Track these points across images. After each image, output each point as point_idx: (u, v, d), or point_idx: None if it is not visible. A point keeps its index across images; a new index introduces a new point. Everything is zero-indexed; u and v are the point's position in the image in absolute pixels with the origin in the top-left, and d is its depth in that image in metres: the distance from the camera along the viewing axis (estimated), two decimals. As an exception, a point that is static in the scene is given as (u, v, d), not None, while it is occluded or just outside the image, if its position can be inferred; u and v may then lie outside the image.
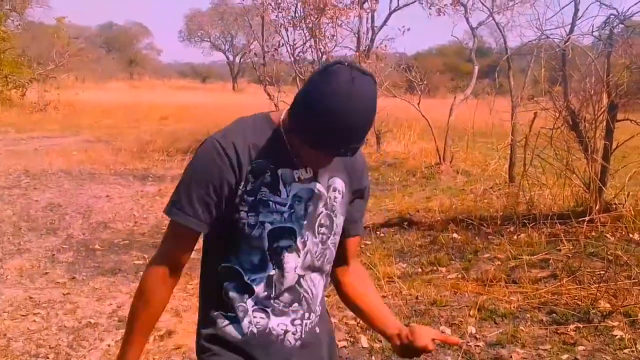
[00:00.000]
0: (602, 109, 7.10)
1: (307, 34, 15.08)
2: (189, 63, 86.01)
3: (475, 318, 4.83)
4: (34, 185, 10.50)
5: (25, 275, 6.06)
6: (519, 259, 5.96)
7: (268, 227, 1.84)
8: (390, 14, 16.16)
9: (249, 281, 1.88)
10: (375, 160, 13.40)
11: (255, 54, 16.61)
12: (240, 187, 1.82)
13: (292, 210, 1.86)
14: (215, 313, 1.93)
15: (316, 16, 14.59)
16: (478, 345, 4.43)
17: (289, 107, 1.81)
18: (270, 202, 1.84)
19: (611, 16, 7.70)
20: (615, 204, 6.91)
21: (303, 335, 1.95)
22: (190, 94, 41.90)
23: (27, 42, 31.70)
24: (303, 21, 14.96)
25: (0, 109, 23.35)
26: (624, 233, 6.39)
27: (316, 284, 1.96)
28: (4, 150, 14.59)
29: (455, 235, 7.01)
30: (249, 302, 1.89)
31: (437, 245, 6.79)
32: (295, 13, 15.14)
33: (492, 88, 14.81)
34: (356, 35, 15.78)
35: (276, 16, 15.20)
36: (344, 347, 4.49)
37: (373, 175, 11.72)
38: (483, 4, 13.71)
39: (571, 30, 8.33)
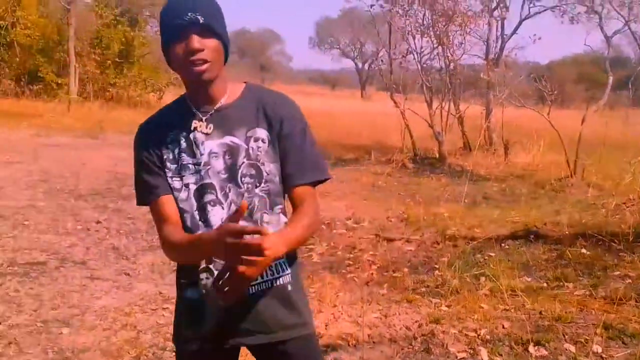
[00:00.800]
0: None
1: (434, 41, 15.01)
2: (318, 70, 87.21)
3: (602, 337, 4.65)
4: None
5: (157, 271, 6.32)
6: (652, 278, 5.71)
7: (192, 187, 2.04)
8: (521, 22, 15.90)
9: None
10: (503, 171, 13.12)
11: (382, 61, 16.67)
12: (165, 158, 2.05)
13: (209, 167, 2.03)
14: (181, 281, 2.13)
15: (444, 24, 14.51)
16: (604, 366, 4.27)
17: None
18: (190, 165, 2.04)
19: None
20: None
21: (251, 284, 1.98)
22: (318, 101, 42.32)
23: (165, 47, 33.02)
24: (431, 28, 14.91)
25: (139, 111, 24.38)
26: None
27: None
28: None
29: (583, 250, 6.77)
30: (201, 264, 2.02)
31: (564, 260, 6.58)
32: (423, 20, 15.10)
33: (628, 99, 14.25)
34: (485, 43, 15.59)
35: (404, 23, 15.20)
36: (463, 358, 4.43)
37: (500, 186, 11.50)
38: (618, 12, 13.24)
39: None
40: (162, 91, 28.96)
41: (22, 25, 25.73)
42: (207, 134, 2.04)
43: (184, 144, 2.05)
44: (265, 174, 2.06)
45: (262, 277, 2.04)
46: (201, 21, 1.93)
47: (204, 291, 2.03)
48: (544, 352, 4.47)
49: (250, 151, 2.05)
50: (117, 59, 27.61)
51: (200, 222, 2.03)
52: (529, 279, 6.08)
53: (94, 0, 28.88)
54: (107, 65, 26.98)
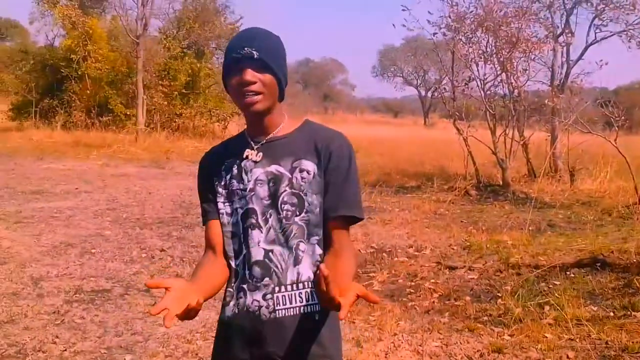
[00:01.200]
0: None
1: (498, 68, 14.89)
2: (381, 98, 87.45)
3: (672, 368, 4.52)
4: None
5: (218, 298, 6.35)
6: None
7: (240, 212, 2.16)
8: (586, 47, 15.64)
9: (235, 267, 2.17)
10: (568, 198, 12.85)
11: (444, 88, 16.61)
12: (218, 185, 2.21)
13: (253, 193, 2.14)
14: (223, 302, 2.23)
15: (508, 50, 14.39)
16: (673, 398, 4.14)
17: None
18: (238, 190, 2.17)
19: None
20: None
21: (276, 308, 2.09)
22: (381, 129, 42.42)
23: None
24: (494, 55, 14.80)
25: (205, 140, 24.77)
26: None
27: (285, 258, 2.11)
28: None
29: (652, 279, 6.59)
30: (234, 285, 2.17)
31: (632, 288, 6.38)
32: (486, 47, 15.01)
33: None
34: (550, 69, 15.39)
35: (467, 51, 15.12)
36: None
37: (565, 213, 11.28)
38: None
39: None
40: (227, 121, 29.40)
41: (93, 58, 26.52)
42: (255, 162, 2.16)
43: (235, 171, 2.18)
44: (306, 204, 2.12)
45: (292, 303, 2.11)
46: (255, 56, 2.06)
47: (236, 310, 2.16)
48: (609, 383, 4.36)
49: (294, 180, 2.13)
50: (183, 90, 28.17)
51: (243, 246, 2.15)
52: (595, 308, 5.93)
53: (162, 33, 29.68)
54: (173, 97, 27.53)
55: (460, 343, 5.14)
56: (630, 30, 15.33)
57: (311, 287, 2.09)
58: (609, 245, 8.16)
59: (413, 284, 7.01)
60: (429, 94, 63.74)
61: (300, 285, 2.10)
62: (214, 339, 2.31)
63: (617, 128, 12.38)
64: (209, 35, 29.93)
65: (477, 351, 4.96)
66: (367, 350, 5.01)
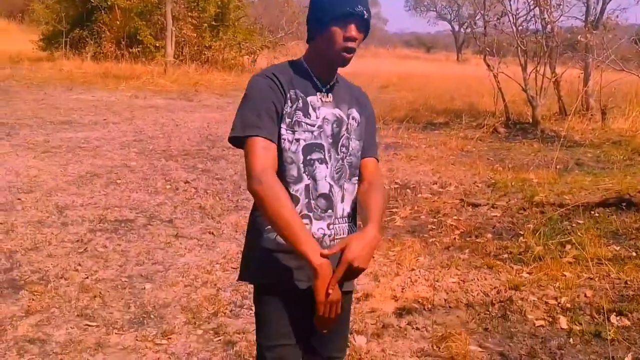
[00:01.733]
0: None
1: (531, 2, 14.52)
2: (414, 32, 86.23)
3: (690, 309, 4.48)
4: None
5: (240, 230, 6.42)
6: None
7: (302, 143, 2.26)
8: (624, -19, 15.14)
9: (293, 192, 2.25)
10: (599, 136, 12.65)
11: (475, 23, 16.26)
12: (284, 109, 2.25)
13: (321, 130, 2.31)
14: (269, 226, 2.26)
15: (542, -16, 14.01)
16: (690, 339, 4.11)
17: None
18: (303, 123, 2.27)
19: None
20: None
21: (335, 237, 2.32)
22: (412, 64, 41.96)
23: (260, 10, 33.34)
24: (528, -11, 14.43)
25: (234, 73, 24.68)
26: None
27: (337, 194, 2.33)
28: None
29: (678, 220, 6.50)
30: (297, 209, 2.21)
31: (657, 229, 6.33)
32: (520, -19, 14.62)
33: None
34: (585, 4, 14.97)
35: (500, -16, 14.75)
36: (542, 326, 4.35)
37: (594, 152, 11.13)
38: None
39: None
40: (256, 54, 29.25)
41: (123, -12, 26.34)
42: (324, 102, 2.34)
43: (301, 104, 2.28)
44: (352, 148, 2.39)
45: (343, 234, 2.36)
46: (365, 16, 2.25)
47: None
48: (626, 322, 4.35)
49: (349, 126, 2.38)
50: (212, 22, 27.95)
51: (304, 175, 2.27)
52: (617, 248, 5.87)
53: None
54: (203, 29, 27.34)
55: (478, 280, 5.14)
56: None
57: (350, 222, 2.39)
58: (637, 185, 8.02)
59: (435, 220, 7.00)
60: (462, 29, 62.65)
61: (346, 219, 2.38)
62: (252, 262, 2.40)
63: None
64: (239, -35, 29.55)
65: (494, 288, 4.96)
66: (383, 284, 5.03)
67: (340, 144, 2.34)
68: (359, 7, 2.21)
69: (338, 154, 2.34)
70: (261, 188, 2.12)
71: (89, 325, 4.25)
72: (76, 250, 5.66)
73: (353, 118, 2.40)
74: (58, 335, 4.09)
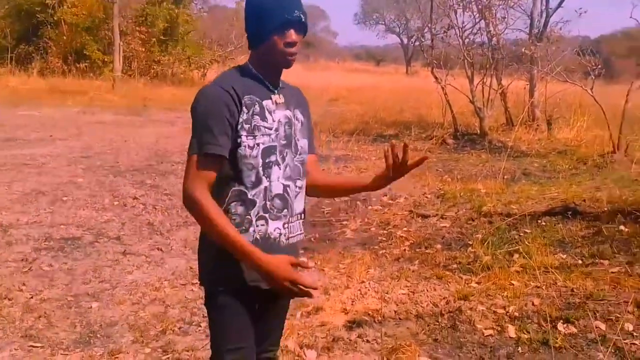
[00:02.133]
0: None
1: (477, 15, 14.76)
2: (364, 46, 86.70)
3: (634, 315, 4.56)
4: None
5: (189, 246, 6.36)
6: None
7: (262, 146, 2.35)
8: (567, -6, 15.46)
9: (251, 197, 2.36)
10: (545, 147, 12.87)
11: (422, 36, 16.44)
12: (240, 117, 2.31)
13: (277, 132, 2.41)
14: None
15: (487, -3, 14.25)
16: (634, 344, 4.18)
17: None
18: (262, 127, 2.36)
19: None
20: None
21: (290, 235, 2.47)
22: (362, 77, 42.15)
23: (209, 24, 33.25)
24: (473, 3, 14.66)
25: (184, 88, 24.53)
26: None
27: (295, 192, 2.48)
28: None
29: (622, 227, 6.60)
30: (252, 213, 2.37)
31: (602, 237, 6.42)
32: (465, -6, 14.84)
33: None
34: (529, 17, 15.27)
35: (446, -2, 14.97)
36: (490, 335, 4.39)
37: (541, 162, 11.31)
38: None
39: None
40: (206, 68, 29.12)
41: (69, 3, 26.04)
42: (278, 104, 2.43)
43: (257, 109, 2.36)
44: (300, 147, 2.52)
45: (299, 231, 2.54)
46: (302, 20, 2.35)
47: (257, 237, 2.38)
48: (572, 329, 4.41)
49: (297, 126, 2.51)
50: (161, 37, 27.80)
51: (264, 177, 2.37)
52: (564, 256, 5.96)
53: (139, -22, 29.12)
54: (151, 43, 27.20)
55: (427, 290, 5.16)
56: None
57: (301, 219, 2.55)
58: (582, 194, 8.18)
59: (385, 232, 7.03)
60: (411, 42, 63.24)
61: (301, 216, 2.54)
62: (215, 262, 2.43)
63: (593, 77, 12.37)
64: (186, -20, 29.47)
65: (444, 298, 4.98)
66: (334, 297, 5.02)
67: (294, 144, 2.47)
68: (296, 12, 2.32)
69: (294, 154, 2.47)
70: (193, 205, 2.27)
71: (34, 347, 4.16)
72: (20, 270, 5.53)
73: (297, 118, 2.52)
74: (1, 358, 3.99)
